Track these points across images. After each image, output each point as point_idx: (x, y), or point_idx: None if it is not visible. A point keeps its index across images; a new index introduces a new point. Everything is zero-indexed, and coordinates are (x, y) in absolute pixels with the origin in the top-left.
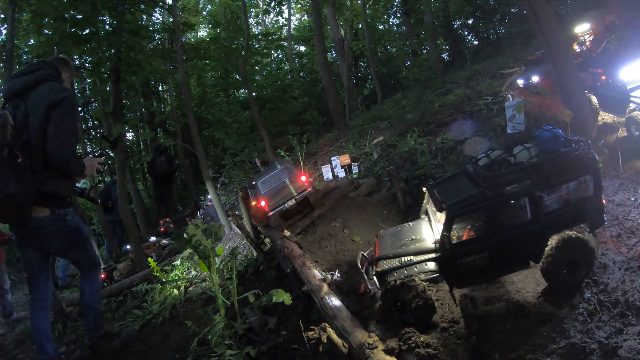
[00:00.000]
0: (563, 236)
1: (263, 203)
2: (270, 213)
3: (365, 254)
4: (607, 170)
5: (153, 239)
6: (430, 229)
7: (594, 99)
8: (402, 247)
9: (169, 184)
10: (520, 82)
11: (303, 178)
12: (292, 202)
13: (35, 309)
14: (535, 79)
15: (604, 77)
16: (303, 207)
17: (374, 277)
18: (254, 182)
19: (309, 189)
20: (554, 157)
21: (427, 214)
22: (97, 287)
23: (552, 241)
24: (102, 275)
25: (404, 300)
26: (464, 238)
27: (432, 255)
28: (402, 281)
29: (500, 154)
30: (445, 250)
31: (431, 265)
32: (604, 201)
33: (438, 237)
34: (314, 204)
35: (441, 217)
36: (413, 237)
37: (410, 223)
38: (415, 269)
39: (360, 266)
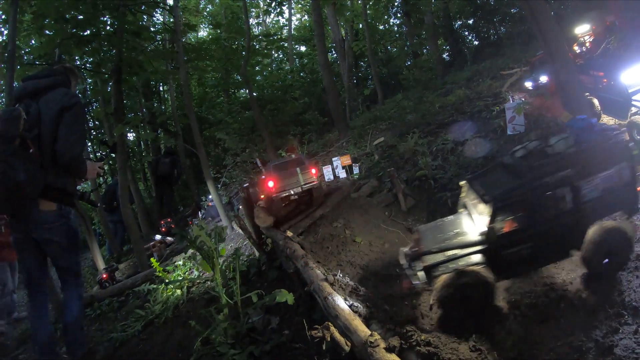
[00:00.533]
0: (602, 225)
1: (271, 183)
2: (275, 194)
3: (406, 251)
4: None
5: (159, 237)
6: (470, 222)
7: (596, 102)
8: (446, 241)
9: (170, 185)
10: (528, 84)
11: (313, 171)
12: (298, 189)
13: (35, 310)
14: (544, 79)
15: (605, 80)
16: (303, 199)
17: (420, 272)
18: (270, 166)
19: (315, 182)
20: (592, 146)
21: (465, 207)
22: (82, 300)
23: (592, 230)
24: (104, 276)
25: (460, 287)
26: (505, 230)
27: (477, 247)
28: (452, 274)
29: (538, 144)
30: (491, 242)
31: (477, 258)
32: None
33: (480, 229)
34: (315, 199)
35: (484, 209)
36: (456, 230)
37: (449, 217)
38: (462, 262)
39: (402, 263)
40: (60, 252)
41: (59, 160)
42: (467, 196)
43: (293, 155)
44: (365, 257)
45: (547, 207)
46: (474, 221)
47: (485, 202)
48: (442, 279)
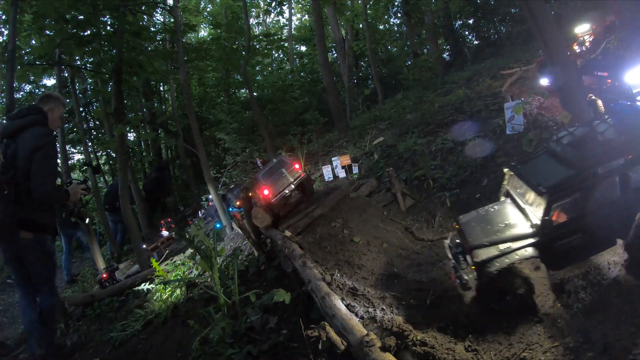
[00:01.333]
0: None
1: (266, 192)
2: (273, 200)
3: (451, 244)
4: None
5: (165, 233)
6: (518, 212)
7: (600, 103)
8: (496, 233)
9: (155, 201)
10: (544, 80)
11: (296, 166)
12: (290, 187)
13: (25, 301)
14: (545, 81)
15: (609, 81)
16: (301, 192)
17: (470, 267)
18: (258, 178)
19: (302, 175)
20: (636, 132)
21: (509, 195)
22: (52, 309)
23: (639, 216)
24: (104, 275)
25: (508, 288)
26: (565, 219)
27: (531, 240)
28: (507, 268)
29: (585, 131)
30: (547, 234)
31: (531, 251)
32: None
33: (531, 220)
34: (309, 189)
35: (535, 199)
36: (505, 222)
37: (493, 206)
38: (517, 256)
39: (449, 256)
40: (35, 269)
41: (33, 197)
42: (512, 184)
43: (274, 160)
44: (364, 257)
45: (598, 196)
46: (522, 211)
47: (540, 193)
48: (494, 274)
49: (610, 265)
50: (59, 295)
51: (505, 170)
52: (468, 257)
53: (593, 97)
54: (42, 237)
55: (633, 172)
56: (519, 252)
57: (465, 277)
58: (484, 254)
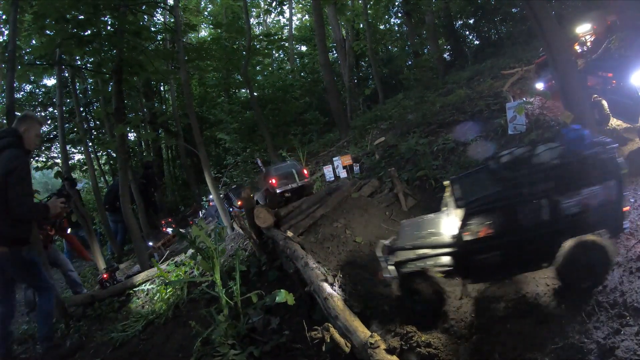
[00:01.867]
0: (580, 240)
1: (274, 181)
2: (278, 190)
3: (386, 243)
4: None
5: (170, 230)
6: (448, 223)
7: (605, 104)
8: (420, 239)
9: (146, 201)
10: (540, 85)
11: (305, 172)
12: (294, 185)
13: (4, 307)
14: (540, 85)
15: (614, 82)
16: (297, 194)
17: (391, 266)
18: (271, 169)
19: (307, 181)
20: (577, 160)
21: (447, 206)
22: (49, 307)
23: (568, 244)
24: (105, 275)
25: (417, 290)
26: (481, 235)
27: (448, 250)
28: (417, 271)
29: (524, 152)
30: (460, 246)
31: (445, 260)
32: (628, 207)
33: (453, 232)
34: (305, 196)
35: (459, 212)
36: (432, 229)
37: (431, 215)
38: (430, 262)
39: (380, 255)
40: (19, 277)
41: (12, 215)
42: (450, 196)
43: (288, 161)
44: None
45: (521, 217)
46: (451, 222)
47: (458, 206)
48: (406, 275)
49: (614, 266)
50: (52, 288)
51: (445, 182)
52: (391, 257)
53: (598, 98)
54: (16, 251)
55: (565, 197)
56: (434, 259)
57: (389, 275)
58: (403, 255)
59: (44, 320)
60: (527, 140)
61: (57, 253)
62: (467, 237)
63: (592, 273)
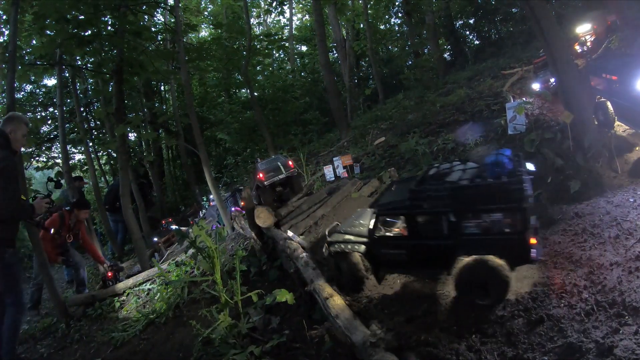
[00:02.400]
0: (470, 260)
1: (261, 175)
2: (266, 183)
3: (332, 225)
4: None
5: (174, 227)
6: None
7: (610, 106)
8: (353, 227)
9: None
10: (536, 86)
11: (290, 163)
12: (281, 176)
13: None
14: (536, 86)
15: (618, 85)
16: (289, 188)
17: (326, 244)
18: (258, 165)
19: (292, 170)
20: (479, 186)
21: None
22: (16, 324)
23: (461, 261)
24: (109, 274)
25: (339, 266)
26: (388, 234)
27: (364, 240)
28: (339, 252)
29: (446, 168)
30: (371, 240)
31: (361, 248)
32: (534, 239)
33: (371, 227)
34: (296, 186)
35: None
36: (363, 222)
37: (369, 209)
38: (349, 247)
39: (326, 234)
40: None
41: None
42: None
43: (273, 156)
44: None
45: (421, 226)
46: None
47: (370, 206)
48: (333, 252)
49: (612, 265)
50: (24, 307)
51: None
52: (329, 237)
53: (602, 99)
54: (1, 251)
55: (464, 217)
56: (353, 245)
57: (325, 252)
58: (336, 237)
59: (11, 335)
60: (473, 153)
61: (75, 254)
62: (377, 233)
63: (487, 292)
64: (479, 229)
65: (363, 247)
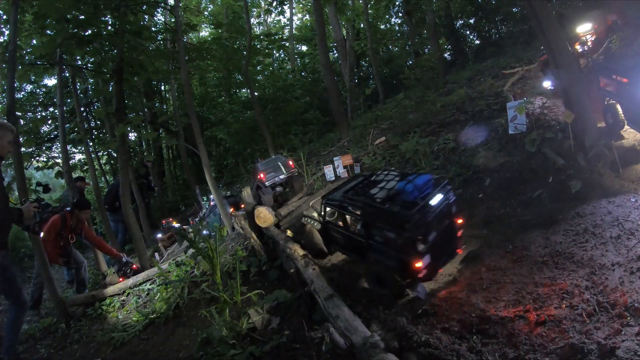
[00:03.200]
0: (371, 260)
1: (262, 175)
2: (267, 183)
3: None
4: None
5: (177, 225)
6: None
7: (619, 109)
8: (317, 208)
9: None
10: (547, 84)
11: (290, 163)
12: (282, 176)
13: None
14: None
15: (629, 88)
16: (290, 188)
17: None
18: (258, 166)
19: (293, 171)
20: (374, 207)
21: None
22: (17, 322)
23: (369, 258)
24: (134, 266)
25: (301, 234)
26: (331, 220)
27: (319, 219)
28: (303, 223)
29: (374, 177)
30: (322, 222)
31: (318, 225)
32: (420, 263)
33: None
34: (296, 186)
35: None
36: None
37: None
38: (311, 222)
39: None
40: None
41: None
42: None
43: (273, 156)
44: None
45: (348, 221)
46: None
47: (322, 196)
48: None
49: (614, 265)
50: (25, 305)
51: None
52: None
53: (611, 102)
54: None
55: (371, 224)
56: (314, 222)
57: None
58: (308, 213)
59: (12, 333)
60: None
61: (77, 254)
62: (325, 218)
63: (385, 286)
64: (381, 239)
65: (318, 225)
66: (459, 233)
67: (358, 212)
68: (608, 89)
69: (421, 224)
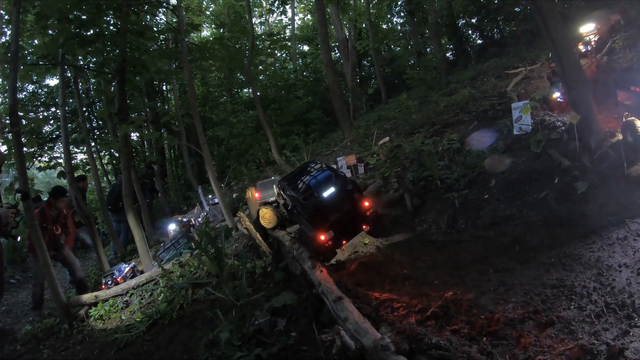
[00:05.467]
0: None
1: (257, 195)
2: (260, 202)
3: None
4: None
5: (185, 219)
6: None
7: (639, 125)
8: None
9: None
10: (555, 94)
11: None
12: (273, 198)
13: None
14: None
15: None
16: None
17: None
18: (257, 184)
19: None
20: (293, 196)
21: None
22: None
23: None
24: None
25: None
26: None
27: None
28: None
29: (308, 169)
30: (282, 199)
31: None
32: (324, 237)
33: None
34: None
35: None
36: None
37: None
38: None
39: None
40: None
41: None
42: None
43: (273, 178)
44: (375, 259)
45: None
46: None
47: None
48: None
49: (621, 267)
50: None
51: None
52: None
53: (630, 118)
54: None
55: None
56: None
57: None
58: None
59: None
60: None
61: (69, 254)
62: (279, 197)
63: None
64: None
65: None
66: (368, 212)
67: (289, 196)
68: (627, 103)
69: (315, 210)
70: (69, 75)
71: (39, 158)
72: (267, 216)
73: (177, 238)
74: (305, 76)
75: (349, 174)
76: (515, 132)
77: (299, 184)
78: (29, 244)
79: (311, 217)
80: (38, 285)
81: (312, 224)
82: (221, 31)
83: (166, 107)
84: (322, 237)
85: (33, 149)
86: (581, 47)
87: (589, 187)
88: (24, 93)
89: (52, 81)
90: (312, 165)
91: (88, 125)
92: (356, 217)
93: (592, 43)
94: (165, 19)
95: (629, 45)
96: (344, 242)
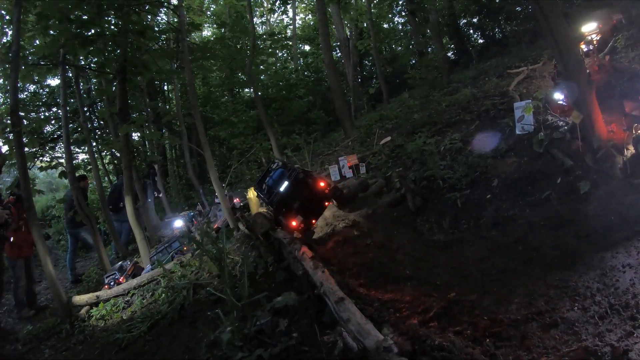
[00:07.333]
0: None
1: (235, 200)
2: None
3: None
4: None
5: (192, 213)
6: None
7: None
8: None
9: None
10: (559, 96)
11: None
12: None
13: None
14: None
15: None
16: None
17: None
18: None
19: None
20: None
21: None
22: None
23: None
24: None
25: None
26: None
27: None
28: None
29: (272, 168)
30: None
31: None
32: (295, 223)
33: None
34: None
35: None
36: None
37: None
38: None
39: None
40: None
41: None
42: None
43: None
44: (376, 260)
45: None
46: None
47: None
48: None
49: (625, 267)
50: None
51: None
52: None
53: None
54: None
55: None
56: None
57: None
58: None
59: None
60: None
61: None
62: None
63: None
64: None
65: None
66: (327, 191)
67: (261, 198)
68: (634, 114)
69: (279, 204)
70: (70, 75)
71: (40, 158)
72: (259, 221)
73: (171, 241)
74: (306, 76)
75: (350, 174)
76: (517, 132)
77: (264, 186)
78: (7, 246)
79: (279, 211)
80: (20, 287)
81: (282, 215)
82: (222, 31)
83: (167, 107)
84: (294, 223)
85: (34, 149)
86: (583, 47)
87: (591, 187)
88: (25, 93)
89: (53, 81)
90: (272, 167)
91: (89, 125)
92: (316, 198)
93: (594, 42)
94: (166, 19)
95: (631, 45)
96: (313, 221)
